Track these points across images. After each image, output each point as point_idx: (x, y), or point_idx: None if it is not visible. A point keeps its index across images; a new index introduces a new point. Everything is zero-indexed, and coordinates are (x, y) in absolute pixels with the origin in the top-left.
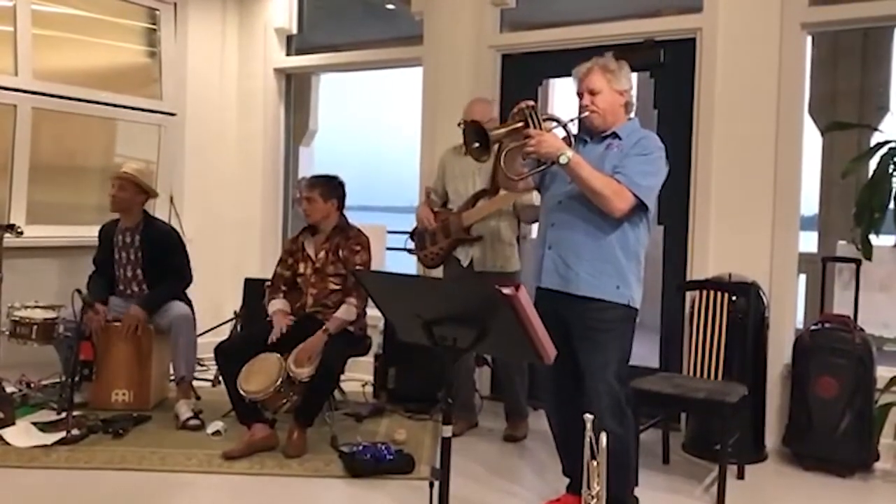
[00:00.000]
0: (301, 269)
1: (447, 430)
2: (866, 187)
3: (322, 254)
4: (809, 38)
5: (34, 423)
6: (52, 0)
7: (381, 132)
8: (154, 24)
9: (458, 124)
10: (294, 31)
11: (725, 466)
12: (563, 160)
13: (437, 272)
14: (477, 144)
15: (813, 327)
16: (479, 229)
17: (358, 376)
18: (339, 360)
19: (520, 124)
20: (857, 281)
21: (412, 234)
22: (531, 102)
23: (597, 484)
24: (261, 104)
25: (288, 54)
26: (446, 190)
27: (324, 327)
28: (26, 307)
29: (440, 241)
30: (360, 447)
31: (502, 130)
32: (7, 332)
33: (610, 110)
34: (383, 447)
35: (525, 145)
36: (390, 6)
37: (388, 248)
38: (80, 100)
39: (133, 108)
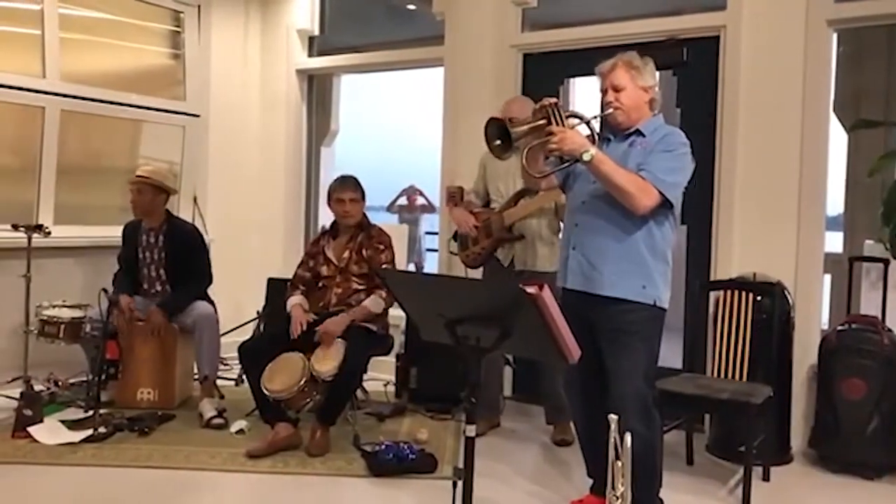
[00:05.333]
0: (323, 272)
1: (471, 430)
2: (894, 186)
3: (346, 253)
4: (835, 35)
5: (62, 421)
6: (78, 4)
7: (402, 132)
8: (178, 26)
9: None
10: (316, 32)
11: (750, 468)
12: (586, 157)
13: (478, 272)
14: (498, 142)
15: (840, 328)
16: (520, 228)
17: (380, 376)
18: (361, 359)
19: (542, 121)
20: (885, 281)
21: (455, 236)
22: (554, 99)
23: (621, 485)
24: (283, 105)
25: (310, 55)
26: (487, 190)
27: (349, 312)
28: (54, 306)
29: (482, 241)
30: (383, 446)
31: (524, 128)
32: (35, 331)
33: (634, 107)
34: (405, 446)
35: (548, 142)
36: (411, 7)
37: None
38: (106, 101)
39: (157, 110)
